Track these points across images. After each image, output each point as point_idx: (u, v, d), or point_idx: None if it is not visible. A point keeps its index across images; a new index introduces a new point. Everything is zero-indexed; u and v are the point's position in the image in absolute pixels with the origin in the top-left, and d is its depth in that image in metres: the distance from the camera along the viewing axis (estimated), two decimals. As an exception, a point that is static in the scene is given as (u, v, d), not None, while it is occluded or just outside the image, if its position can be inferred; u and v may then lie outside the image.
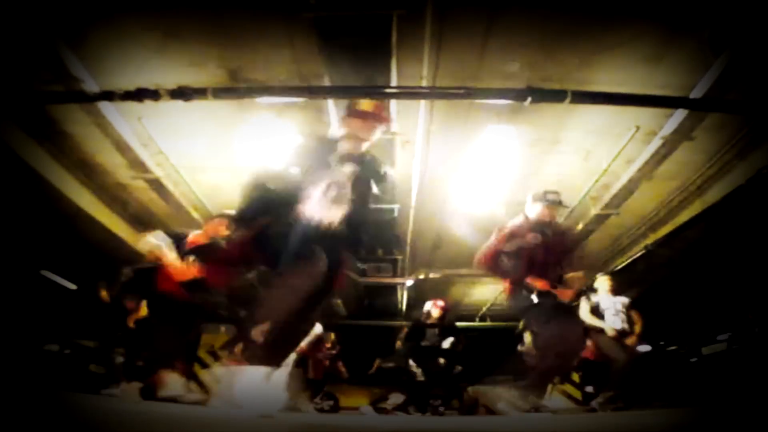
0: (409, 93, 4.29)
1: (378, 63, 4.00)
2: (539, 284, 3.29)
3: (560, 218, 3.76)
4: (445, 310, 5.81)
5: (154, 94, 4.03)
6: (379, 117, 2.48)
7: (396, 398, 5.96)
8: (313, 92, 4.31)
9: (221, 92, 4.13)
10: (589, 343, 4.61)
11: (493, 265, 3.43)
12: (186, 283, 3.53)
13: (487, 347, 7.86)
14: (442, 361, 5.64)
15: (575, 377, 6.06)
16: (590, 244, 7.35)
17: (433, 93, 4.32)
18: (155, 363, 3.53)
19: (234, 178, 5.99)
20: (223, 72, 4.36)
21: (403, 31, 3.74)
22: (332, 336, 7.04)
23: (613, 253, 7.66)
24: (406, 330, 6.20)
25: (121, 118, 4.83)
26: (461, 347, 5.75)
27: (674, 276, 7.57)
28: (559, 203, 3.55)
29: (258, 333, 2.10)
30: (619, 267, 7.42)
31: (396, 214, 6.40)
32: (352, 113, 2.48)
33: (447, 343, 5.68)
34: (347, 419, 3.34)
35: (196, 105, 4.23)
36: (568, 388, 6.19)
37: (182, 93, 4.03)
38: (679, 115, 4.62)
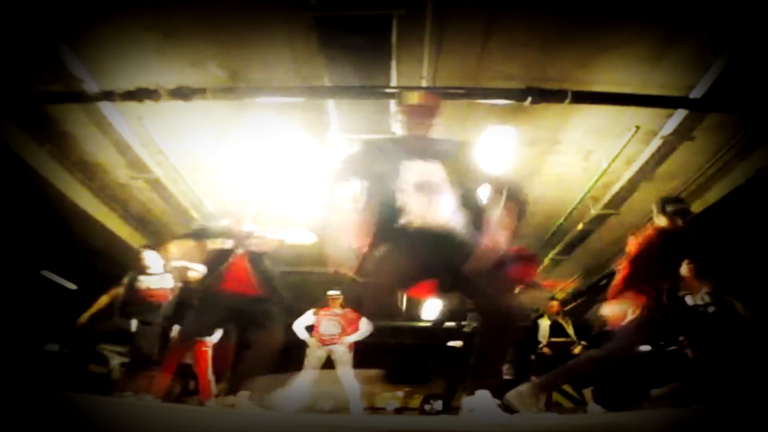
0: (409, 93, 4.28)
1: (378, 63, 4.00)
2: None
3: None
4: None
5: (154, 94, 4.03)
6: (426, 108, 2.41)
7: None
8: (313, 92, 4.31)
9: (221, 92, 4.13)
10: None
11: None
12: None
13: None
14: None
15: None
16: (590, 244, 7.35)
17: (433, 93, 4.31)
18: None
19: (234, 178, 6.00)
20: (223, 72, 4.36)
21: (403, 31, 3.74)
22: None
23: (613, 253, 7.65)
24: None
25: (121, 118, 4.82)
26: None
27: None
28: (684, 213, 3.13)
29: None
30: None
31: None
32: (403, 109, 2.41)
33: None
34: (347, 419, 3.34)
35: (196, 105, 4.23)
36: (567, 387, 6.19)
37: (182, 93, 4.03)
38: (679, 115, 4.61)
